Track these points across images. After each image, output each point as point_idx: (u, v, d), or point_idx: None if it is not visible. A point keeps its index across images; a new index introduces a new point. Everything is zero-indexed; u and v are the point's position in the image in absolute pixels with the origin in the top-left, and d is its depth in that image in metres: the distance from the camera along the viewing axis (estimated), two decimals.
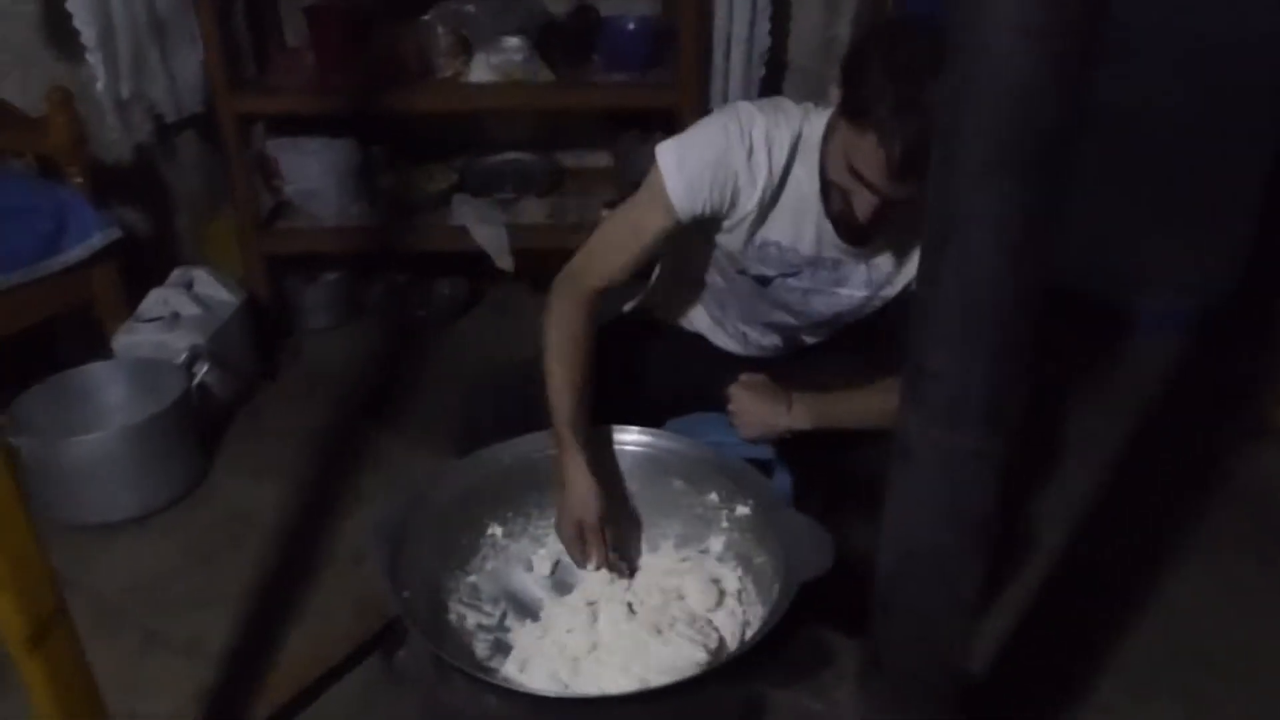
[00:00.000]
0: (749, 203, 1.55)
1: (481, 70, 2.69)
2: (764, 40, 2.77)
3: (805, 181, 1.54)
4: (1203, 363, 2.85)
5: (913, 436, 1.03)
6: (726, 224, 1.59)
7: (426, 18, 2.73)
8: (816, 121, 1.54)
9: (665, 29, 2.77)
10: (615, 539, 1.49)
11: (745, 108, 1.56)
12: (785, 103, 1.59)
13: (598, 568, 1.47)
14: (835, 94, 1.44)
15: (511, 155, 3.07)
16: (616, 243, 1.58)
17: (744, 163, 1.52)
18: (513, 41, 2.65)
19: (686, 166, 1.51)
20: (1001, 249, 0.88)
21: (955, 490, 1.04)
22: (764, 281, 1.66)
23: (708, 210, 1.54)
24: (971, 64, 0.82)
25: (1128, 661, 1.94)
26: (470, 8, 2.63)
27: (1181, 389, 2.75)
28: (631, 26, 2.75)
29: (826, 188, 1.51)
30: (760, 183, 1.54)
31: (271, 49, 2.96)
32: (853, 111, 1.38)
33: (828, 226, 1.56)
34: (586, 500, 1.44)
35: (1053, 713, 1.83)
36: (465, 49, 2.73)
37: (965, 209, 0.87)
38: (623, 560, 1.51)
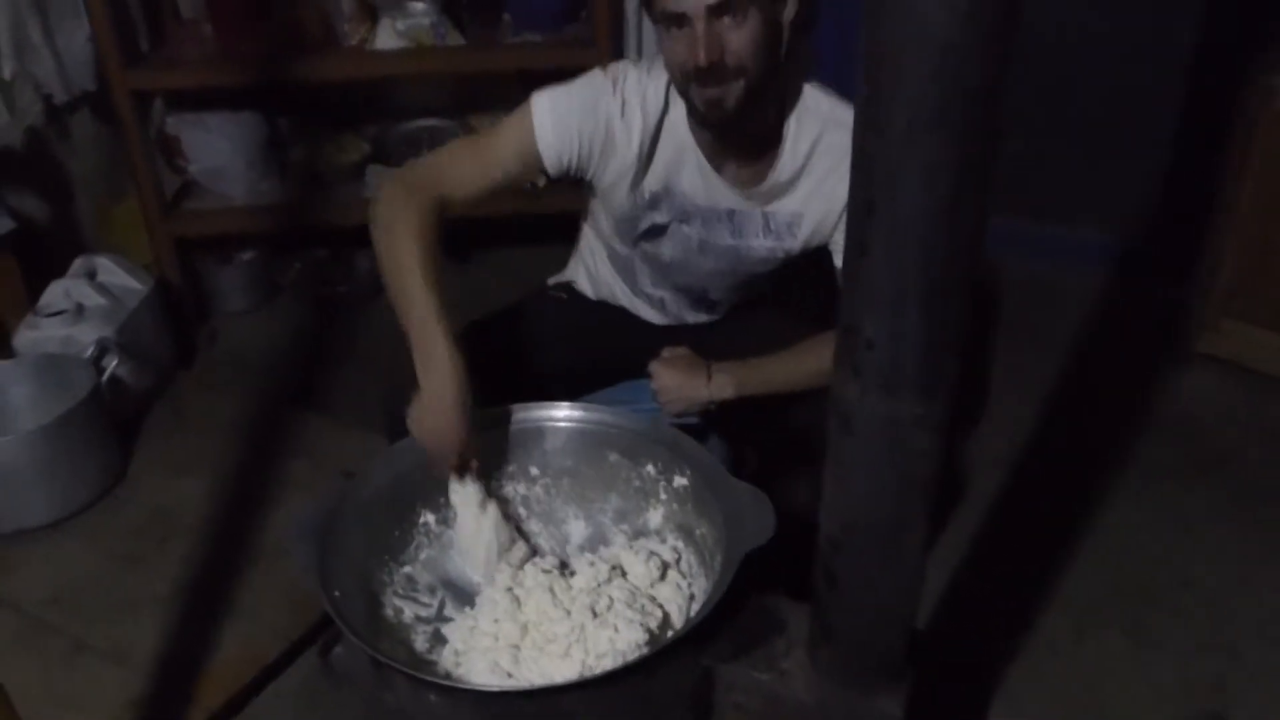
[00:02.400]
0: (627, 155, 1.56)
1: (388, 36, 2.60)
2: None
3: (680, 125, 1.56)
4: (1126, 293, 2.89)
5: (851, 406, 1.00)
6: (606, 180, 1.59)
7: None
8: None
9: None
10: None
11: (621, 64, 1.59)
12: (660, 58, 1.57)
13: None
14: None
15: (425, 121, 3.00)
16: (469, 167, 1.53)
17: (618, 116, 1.54)
18: (419, 5, 2.57)
19: (556, 111, 1.53)
20: (932, 211, 0.85)
21: (897, 458, 1.02)
22: (658, 231, 1.65)
23: (574, 163, 1.55)
24: (895, 22, 0.78)
25: (1069, 597, 1.97)
26: None
27: (1104, 320, 2.79)
28: None
29: (689, 101, 1.50)
30: (636, 133, 1.55)
31: (165, 20, 2.83)
32: None
33: (709, 168, 1.57)
34: (458, 392, 1.35)
35: (997, 652, 1.85)
36: (370, 15, 2.64)
37: (892, 172, 0.84)
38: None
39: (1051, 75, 2.74)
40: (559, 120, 1.52)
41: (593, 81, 1.56)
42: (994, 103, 0.80)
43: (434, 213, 1.45)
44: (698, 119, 1.52)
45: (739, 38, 1.42)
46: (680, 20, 1.41)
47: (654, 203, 1.62)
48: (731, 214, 1.62)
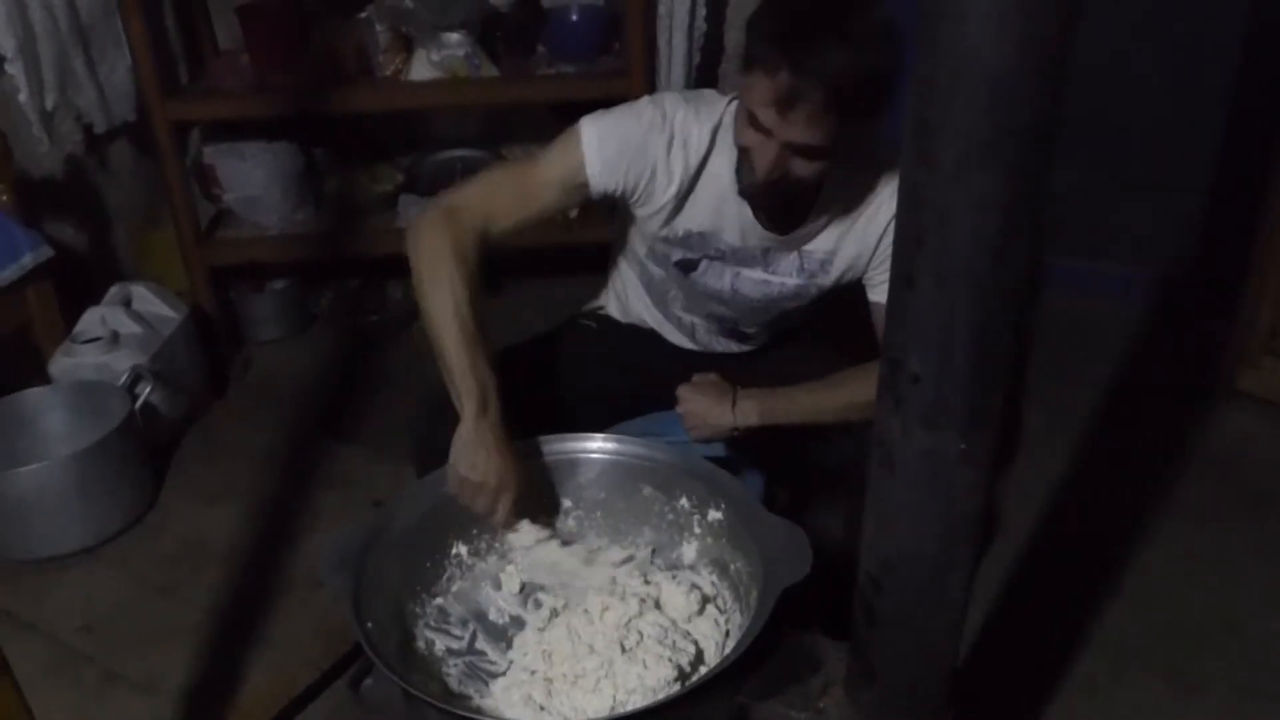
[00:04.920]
0: (666, 194, 1.56)
1: (423, 67, 2.61)
2: (701, 25, 2.72)
3: (724, 171, 1.54)
4: (1163, 328, 2.86)
5: (894, 441, 0.99)
6: (643, 211, 1.59)
7: (364, 15, 2.66)
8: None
9: (610, 17, 2.72)
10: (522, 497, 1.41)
11: (670, 98, 1.57)
12: (710, 94, 1.59)
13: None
14: (739, 61, 1.48)
15: (459, 152, 3.00)
16: (511, 195, 1.52)
17: (663, 154, 1.53)
18: (454, 37, 2.58)
19: (607, 145, 1.51)
20: (981, 247, 0.84)
21: (940, 494, 1.00)
22: (690, 266, 1.64)
23: (618, 191, 1.55)
24: (947, 56, 0.77)
25: (1108, 637, 1.93)
26: (409, 3, 2.55)
27: (1143, 356, 2.76)
28: (575, 17, 2.69)
29: (739, 166, 1.50)
30: (678, 174, 1.54)
31: (204, 52, 2.88)
32: (746, 59, 1.41)
33: (749, 215, 1.56)
34: (491, 469, 1.35)
35: (1035, 693, 1.82)
36: (405, 46, 2.66)
37: (942, 207, 0.83)
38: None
39: (1092, 110, 2.72)
40: (607, 151, 1.51)
41: (641, 114, 1.54)
42: (1047, 136, 0.79)
43: (474, 246, 1.45)
44: (738, 190, 1.52)
45: (807, 168, 1.42)
46: (760, 126, 1.40)
47: (687, 241, 1.61)
48: (765, 252, 1.61)
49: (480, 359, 1.38)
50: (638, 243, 1.70)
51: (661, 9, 2.64)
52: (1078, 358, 2.74)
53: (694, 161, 1.54)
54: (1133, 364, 2.72)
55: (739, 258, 1.62)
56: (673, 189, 1.55)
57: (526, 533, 1.45)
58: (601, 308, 1.88)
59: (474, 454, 1.34)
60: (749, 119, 1.42)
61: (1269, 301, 2.41)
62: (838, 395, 1.56)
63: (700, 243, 1.61)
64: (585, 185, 1.52)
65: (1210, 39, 2.64)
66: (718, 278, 1.65)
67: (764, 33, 1.38)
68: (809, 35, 1.33)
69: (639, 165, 1.52)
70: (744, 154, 1.47)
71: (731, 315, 1.72)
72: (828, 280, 1.64)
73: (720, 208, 1.57)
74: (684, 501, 1.46)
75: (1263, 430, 2.45)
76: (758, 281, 1.64)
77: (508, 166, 1.58)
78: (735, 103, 1.54)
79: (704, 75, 2.81)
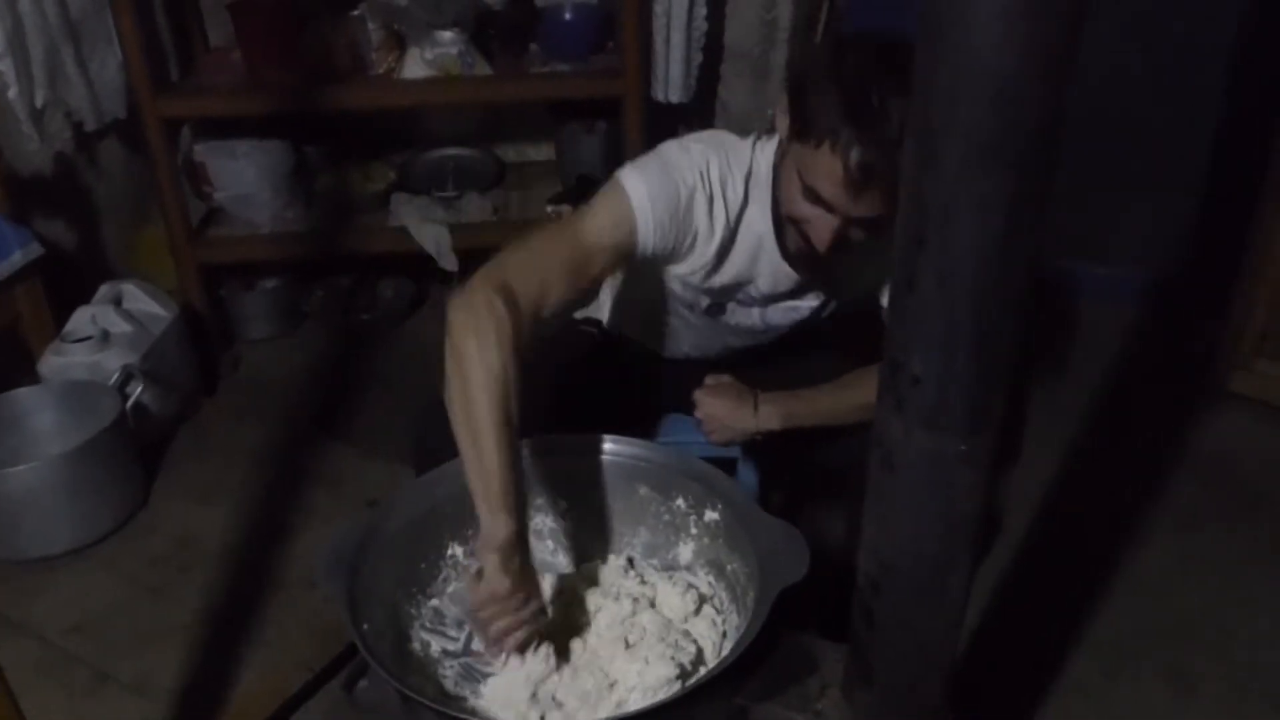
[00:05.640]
0: (706, 251, 1.49)
1: (416, 65, 2.60)
2: (701, 25, 2.71)
3: (759, 220, 1.49)
4: (1157, 330, 2.87)
5: (895, 442, 0.98)
6: (677, 270, 1.53)
7: (356, 12, 2.64)
8: (763, 155, 1.48)
9: (604, 16, 2.71)
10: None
11: (696, 148, 1.46)
12: (729, 138, 1.51)
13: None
14: (782, 121, 1.37)
15: (451, 151, 3.00)
16: (567, 267, 1.35)
17: (705, 215, 1.46)
18: (447, 35, 2.57)
19: (658, 207, 1.40)
20: (983, 248, 0.83)
21: (941, 496, 0.99)
22: (719, 310, 1.62)
23: (660, 252, 1.45)
24: (951, 56, 0.76)
25: (1103, 637, 1.94)
26: (402, 1, 2.54)
27: (1137, 358, 2.77)
28: (569, 15, 2.68)
29: (780, 227, 1.46)
30: (719, 232, 1.47)
31: (195, 49, 2.86)
32: (804, 129, 1.30)
33: (783, 266, 1.52)
34: (536, 594, 1.24)
35: (1029, 695, 1.82)
36: (398, 44, 2.65)
37: (944, 208, 0.82)
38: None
39: (1088, 111, 2.72)
40: (659, 214, 1.40)
41: (681, 169, 1.43)
42: (1051, 137, 0.78)
43: (527, 332, 1.27)
44: (779, 243, 1.48)
45: (861, 236, 1.37)
46: (822, 201, 1.33)
47: (721, 292, 1.57)
48: (792, 283, 1.58)
49: (520, 465, 1.23)
50: (645, 294, 1.64)
51: (658, 7, 2.63)
52: (1072, 358, 2.75)
53: (733, 215, 1.47)
54: (1129, 365, 2.73)
55: (768, 299, 1.59)
56: (713, 245, 1.48)
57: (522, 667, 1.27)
58: (599, 319, 1.86)
59: (521, 572, 1.20)
60: (806, 193, 1.35)
61: (1262, 305, 2.41)
62: (854, 396, 1.54)
63: (731, 292, 1.57)
64: (633, 248, 1.40)
65: (1208, 41, 2.64)
66: (746, 315, 1.63)
67: (826, 101, 1.26)
68: (880, 102, 1.22)
69: (684, 227, 1.44)
70: (794, 223, 1.41)
71: (749, 344, 1.71)
72: (851, 295, 1.63)
73: (755, 258, 1.52)
74: (680, 502, 1.45)
75: (1259, 431, 2.46)
76: (786, 310, 1.62)
77: (552, 234, 1.39)
78: (760, 141, 1.49)
79: (705, 75, 2.80)
